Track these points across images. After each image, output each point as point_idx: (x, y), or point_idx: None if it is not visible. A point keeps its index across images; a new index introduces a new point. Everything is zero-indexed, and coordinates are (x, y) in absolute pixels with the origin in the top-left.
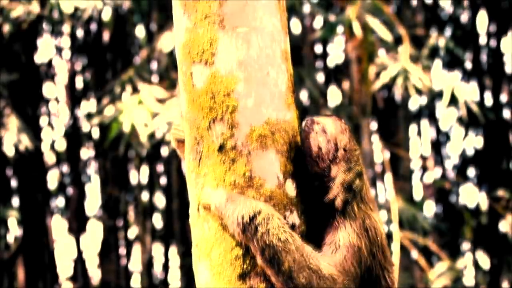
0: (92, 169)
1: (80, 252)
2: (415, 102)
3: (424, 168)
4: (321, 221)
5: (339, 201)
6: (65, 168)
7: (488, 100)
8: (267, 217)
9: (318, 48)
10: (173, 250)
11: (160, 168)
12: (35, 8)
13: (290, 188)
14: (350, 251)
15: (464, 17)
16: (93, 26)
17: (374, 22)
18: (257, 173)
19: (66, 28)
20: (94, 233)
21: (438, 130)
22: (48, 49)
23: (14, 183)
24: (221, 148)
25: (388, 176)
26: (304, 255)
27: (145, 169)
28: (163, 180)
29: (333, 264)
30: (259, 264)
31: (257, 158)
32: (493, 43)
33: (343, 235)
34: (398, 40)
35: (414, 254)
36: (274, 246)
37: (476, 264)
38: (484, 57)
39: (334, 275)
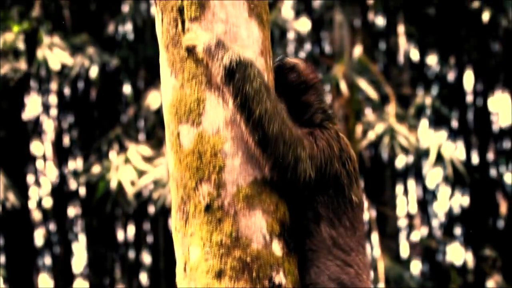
0: (78, 227)
1: None
2: (402, 161)
3: (411, 227)
4: None
5: (315, 117)
6: (52, 226)
7: (475, 159)
8: (246, 64)
9: None
10: None
11: (146, 226)
12: (22, 65)
13: (277, 248)
14: (323, 143)
15: (451, 76)
16: (81, 84)
17: (361, 81)
18: (244, 233)
19: (53, 85)
20: None
21: (425, 189)
22: (35, 106)
23: (0, 240)
24: (208, 208)
25: (375, 235)
26: (276, 107)
27: (131, 227)
28: (149, 238)
29: (307, 139)
30: (232, 109)
31: (243, 218)
32: (479, 101)
33: (319, 133)
34: (384, 99)
35: None
36: (247, 93)
37: None
38: (470, 115)
39: (305, 142)
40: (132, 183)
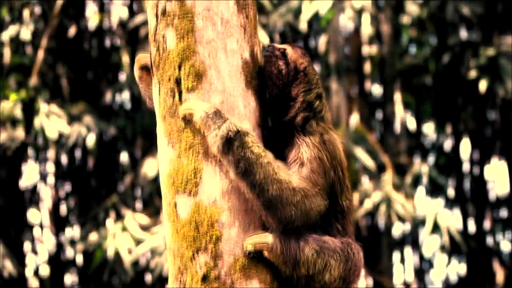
0: None
1: None
2: (398, 229)
3: None
4: (282, 142)
5: (299, 119)
6: None
7: (471, 227)
8: (244, 133)
9: None
10: None
11: None
12: (20, 134)
13: None
14: (314, 164)
15: (448, 145)
16: (78, 152)
17: (357, 150)
18: None
19: (50, 154)
20: None
21: (421, 257)
22: (32, 174)
23: None
24: (205, 278)
25: None
26: (275, 169)
27: None
28: None
29: (303, 178)
30: (233, 179)
31: None
32: (476, 170)
33: (305, 149)
34: (381, 168)
35: None
36: (248, 158)
37: None
38: (467, 184)
39: (305, 188)
40: (129, 252)
